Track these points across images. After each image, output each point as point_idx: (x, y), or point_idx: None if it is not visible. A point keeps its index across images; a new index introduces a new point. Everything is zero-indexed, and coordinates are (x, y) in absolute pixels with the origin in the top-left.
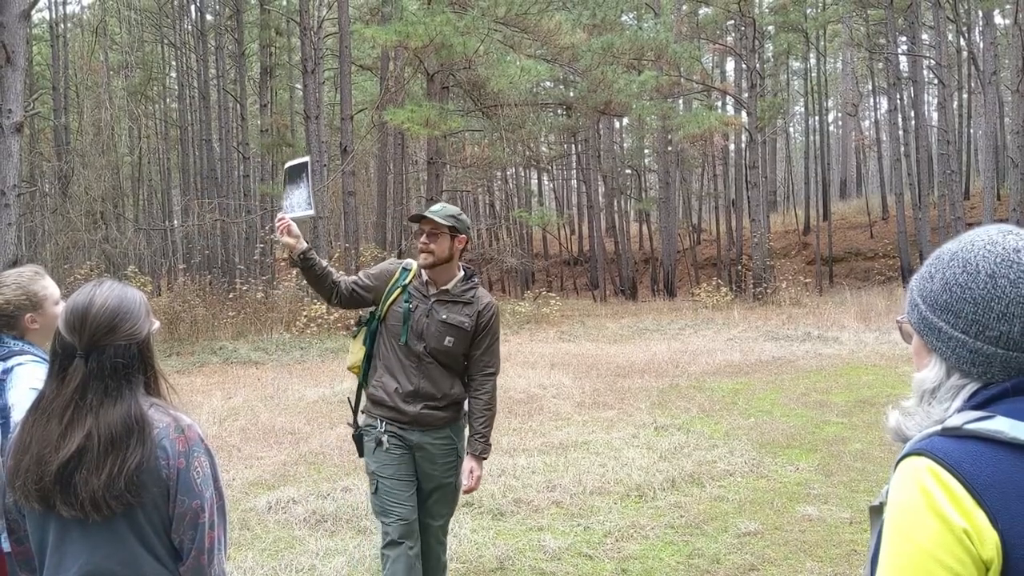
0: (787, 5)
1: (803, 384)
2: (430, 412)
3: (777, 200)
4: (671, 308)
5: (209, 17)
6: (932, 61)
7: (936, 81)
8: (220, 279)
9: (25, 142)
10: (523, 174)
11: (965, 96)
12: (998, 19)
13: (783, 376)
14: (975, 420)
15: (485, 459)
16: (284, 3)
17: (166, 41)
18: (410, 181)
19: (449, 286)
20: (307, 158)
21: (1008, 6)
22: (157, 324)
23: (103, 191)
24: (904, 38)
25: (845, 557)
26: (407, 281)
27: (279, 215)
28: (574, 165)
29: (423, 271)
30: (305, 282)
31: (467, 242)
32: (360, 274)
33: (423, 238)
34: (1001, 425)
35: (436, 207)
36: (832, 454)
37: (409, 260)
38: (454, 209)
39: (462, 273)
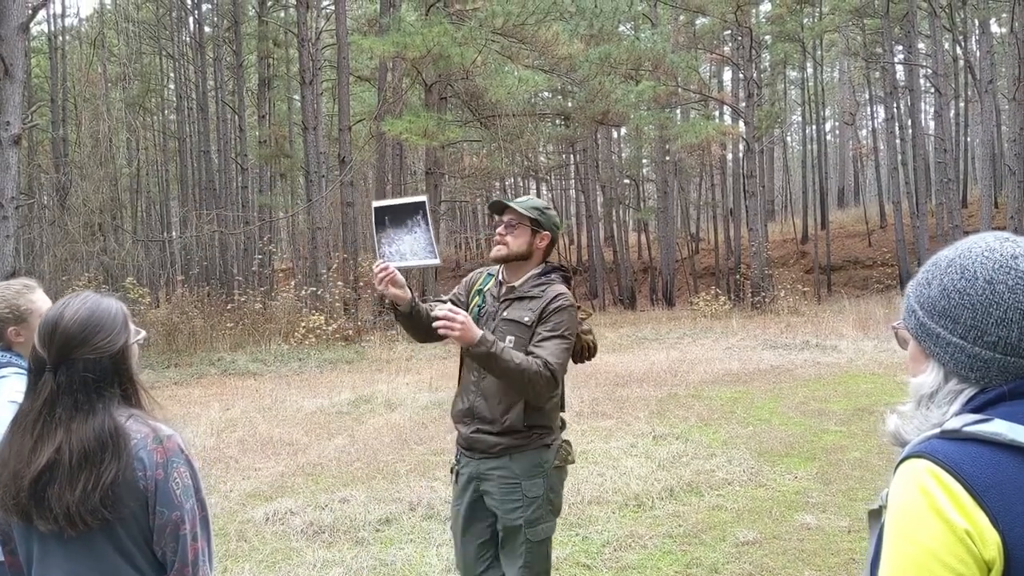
0: (784, 15)
1: (801, 393)
2: (482, 437)
3: (775, 209)
4: (670, 317)
5: (207, 29)
6: (928, 70)
7: (933, 90)
8: (218, 290)
9: (23, 154)
10: (522, 184)
11: (962, 105)
12: (994, 28)
13: (781, 385)
14: (973, 423)
15: (475, 340)
16: (282, 15)
17: (164, 53)
18: (409, 191)
19: (518, 282)
20: (423, 197)
21: (1004, 15)
22: (142, 334)
23: (101, 203)
24: (900, 47)
25: (843, 566)
26: (488, 285)
27: (378, 263)
28: (572, 175)
29: (500, 269)
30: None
31: (552, 241)
32: (452, 293)
33: (500, 228)
34: (999, 427)
35: (522, 198)
36: (831, 462)
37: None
38: (541, 202)
39: (538, 269)
